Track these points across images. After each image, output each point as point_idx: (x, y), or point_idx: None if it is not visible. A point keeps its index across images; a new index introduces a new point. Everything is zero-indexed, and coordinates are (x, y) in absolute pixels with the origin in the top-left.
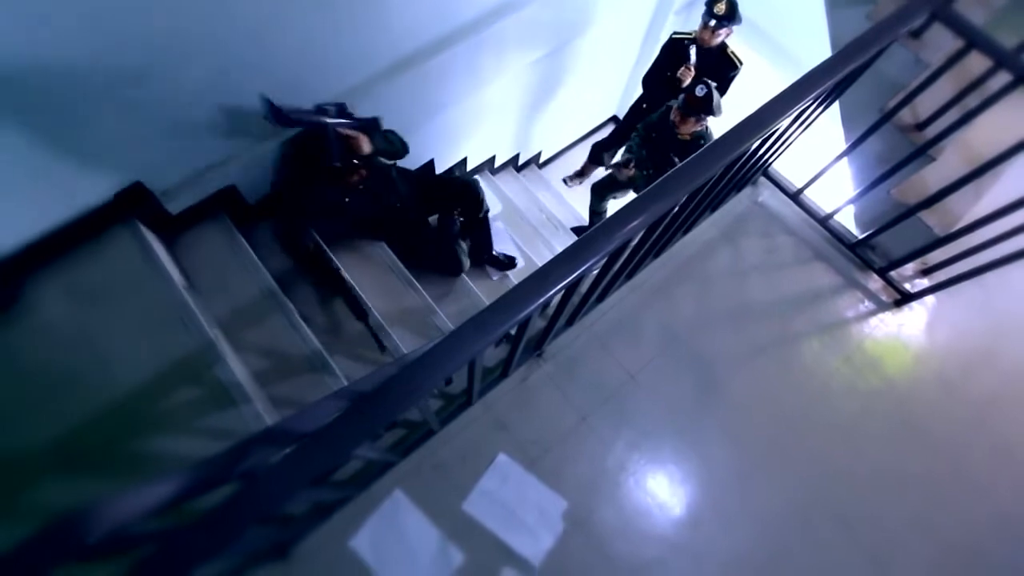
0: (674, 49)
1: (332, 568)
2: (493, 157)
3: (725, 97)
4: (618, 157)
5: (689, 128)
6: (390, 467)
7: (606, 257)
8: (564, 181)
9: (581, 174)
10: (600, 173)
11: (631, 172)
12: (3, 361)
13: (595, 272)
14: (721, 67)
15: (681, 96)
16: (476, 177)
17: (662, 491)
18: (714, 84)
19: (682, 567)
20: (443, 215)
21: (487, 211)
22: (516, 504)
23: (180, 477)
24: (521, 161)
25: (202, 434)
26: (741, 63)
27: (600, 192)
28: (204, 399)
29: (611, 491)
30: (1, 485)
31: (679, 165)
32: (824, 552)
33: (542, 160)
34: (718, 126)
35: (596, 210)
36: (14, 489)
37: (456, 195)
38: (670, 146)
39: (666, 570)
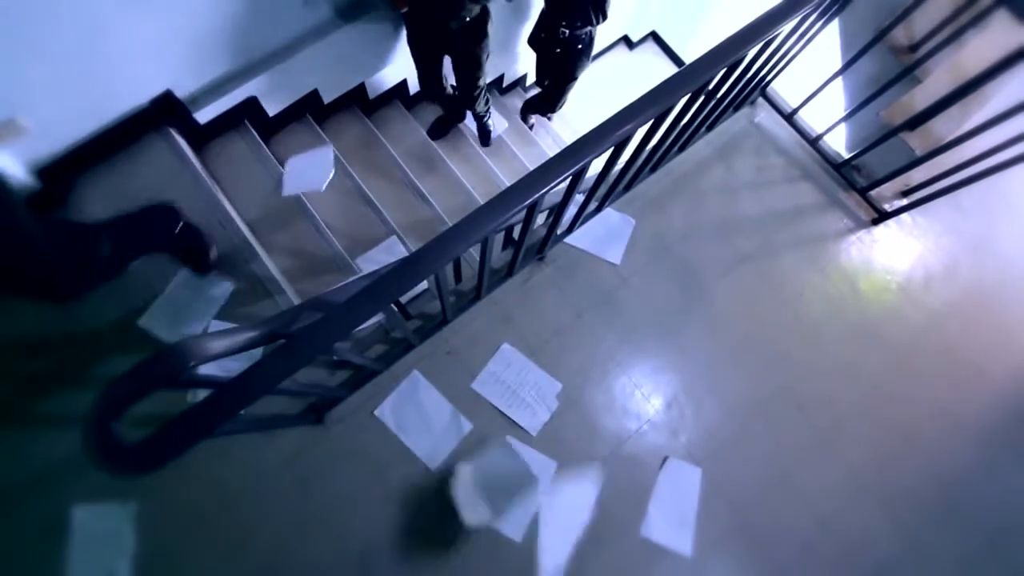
0: None
1: (360, 431)
2: (502, 76)
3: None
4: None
5: None
6: (410, 349)
7: (610, 148)
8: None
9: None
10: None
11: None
12: None
13: (594, 174)
14: None
15: None
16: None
17: (644, 376)
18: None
19: (658, 438)
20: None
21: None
22: (517, 385)
23: (250, 330)
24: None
25: (242, 320)
26: None
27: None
28: (244, 290)
29: (600, 376)
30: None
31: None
32: (780, 430)
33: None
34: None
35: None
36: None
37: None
38: None
39: (644, 440)
